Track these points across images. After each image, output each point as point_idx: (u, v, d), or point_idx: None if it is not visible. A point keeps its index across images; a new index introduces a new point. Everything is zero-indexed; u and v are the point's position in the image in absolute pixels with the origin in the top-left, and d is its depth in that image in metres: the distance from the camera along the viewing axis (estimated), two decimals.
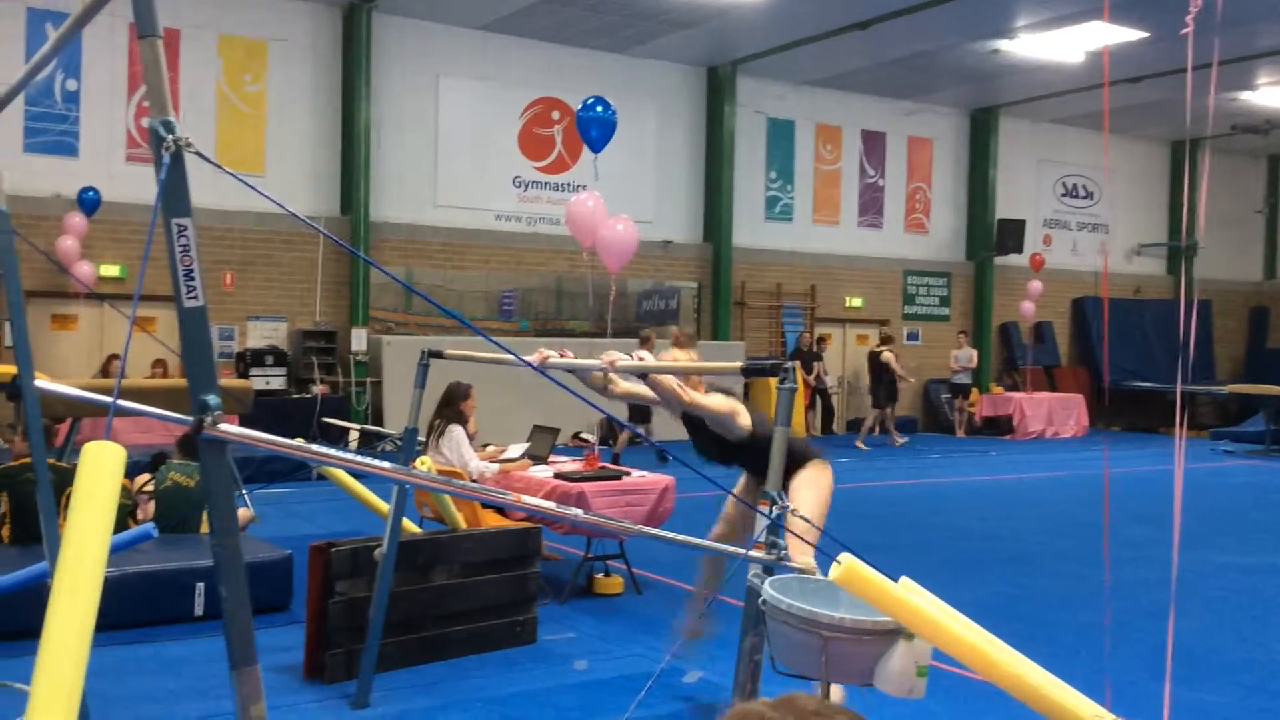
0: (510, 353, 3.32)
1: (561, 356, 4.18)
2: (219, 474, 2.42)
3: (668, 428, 14.63)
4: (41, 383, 4.39)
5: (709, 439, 4.89)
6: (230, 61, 14.72)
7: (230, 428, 2.36)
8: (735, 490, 4.96)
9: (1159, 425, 20.47)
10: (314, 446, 2.54)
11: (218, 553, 2.41)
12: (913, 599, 2.59)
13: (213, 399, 2.35)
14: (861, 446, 16.71)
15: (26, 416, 4.38)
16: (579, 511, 2.95)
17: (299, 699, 5.00)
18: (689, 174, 18.40)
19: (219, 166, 2.46)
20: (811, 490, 4.68)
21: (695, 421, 4.87)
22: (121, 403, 3.99)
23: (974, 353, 19.44)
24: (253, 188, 2.59)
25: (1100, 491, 12.11)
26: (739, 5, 14.90)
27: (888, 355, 17.34)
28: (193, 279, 2.40)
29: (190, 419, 2.52)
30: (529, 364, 3.68)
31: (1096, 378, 21.78)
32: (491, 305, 16.70)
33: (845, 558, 2.56)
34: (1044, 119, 21.61)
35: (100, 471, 1.92)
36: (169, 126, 2.31)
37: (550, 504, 3.02)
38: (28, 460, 6.25)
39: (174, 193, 2.33)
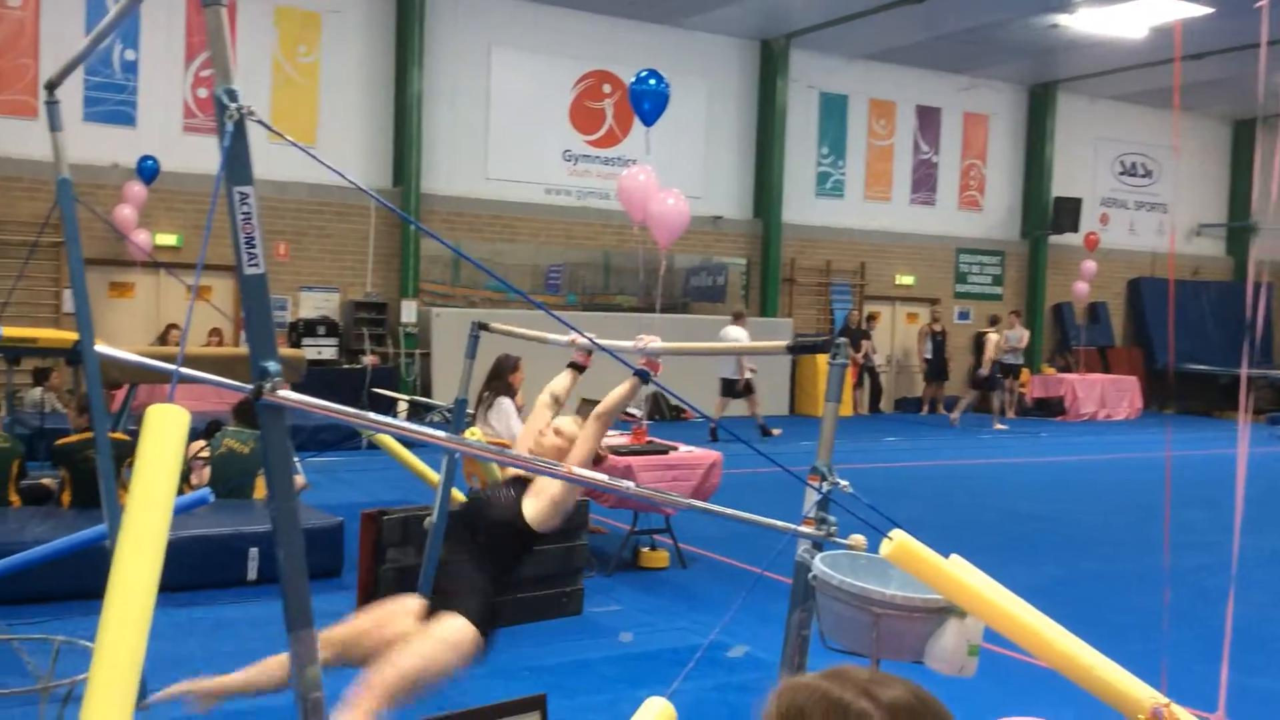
0: (572, 327, 3.32)
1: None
2: (277, 439, 2.45)
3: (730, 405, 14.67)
4: (102, 348, 4.47)
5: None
6: (285, 32, 14.82)
7: (289, 394, 2.39)
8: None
9: (1213, 409, 20.10)
10: (370, 414, 2.57)
11: (275, 517, 2.45)
12: (965, 576, 2.58)
13: (273, 365, 2.37)
14: (1000, 427, 16.85)
15: (87, 381, 4.46)
16: (631, 484, 2.96)
17: None
18: (739, 149, 18.29)
19: (282, 136, 2.48)
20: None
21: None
22: (184, 370, 4.06)
23: (1025, 333, 19.17)
24: (319, 160, 2.60)
25: (1154, 474, 11.90)
26: None
27: (993, 337, 17.27)
28: (254, 246, 2.43)
29: (248, 387, 2.56)
30: (586, 337, 3.68)
31: (1151, 359, 21.45)
32: (538, 279, 16.74)
33: (897, 534, 2.55)
34: (1103, 95, 21.20)
35: (164, 435, 1.95)
36: (232, 95, 2.33)
37: (602, 476, 3.03)
38: (87, 436, 6.39)
39: (236, 161, 2.36)
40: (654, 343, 3.76)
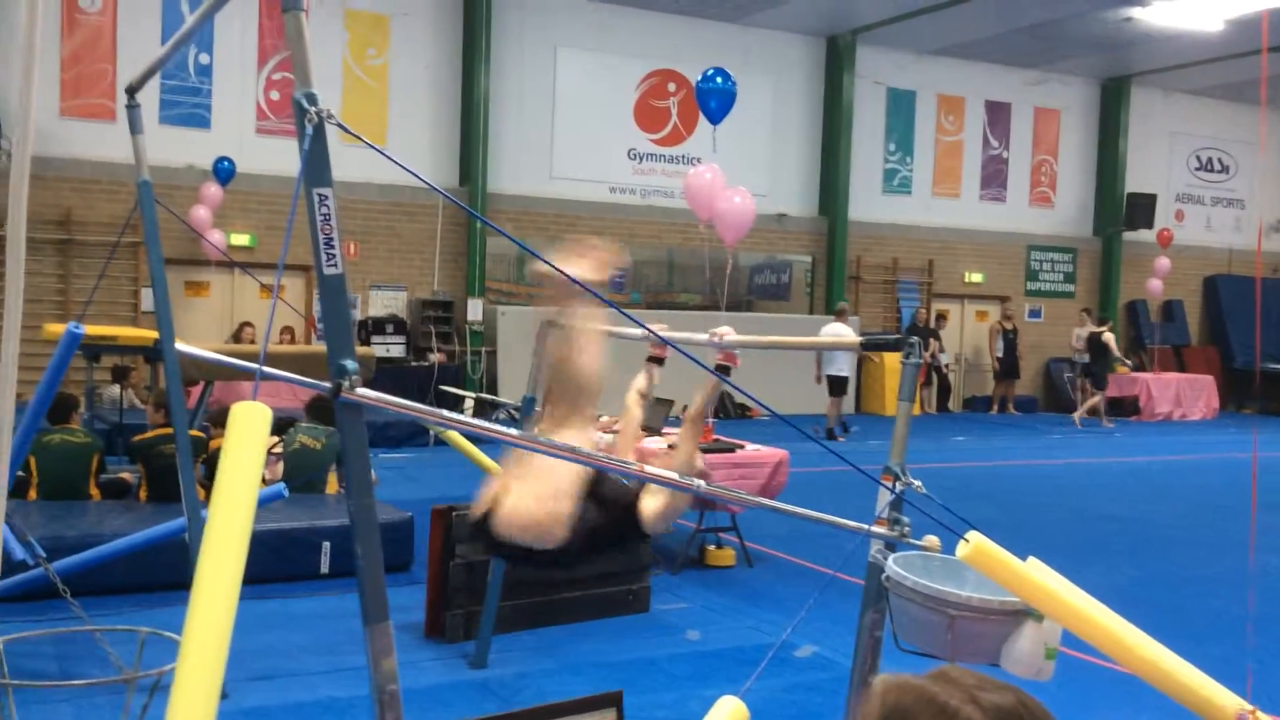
0: (641, 324, 3.33)
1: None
2: (355, 436, 2.49)
3: (792, 400, 14.54)
4: (181, 346, 4.58)
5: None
6: (355, 35, 15.03)
7: (368, 392, 2.43)
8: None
9: None
10: (445, 411, 2.60)
11: (353, 512, 2.49)
12: (1043, 579, 2.54)
13: (350, 363, 2.41)
14: (1078, 424, 17.00)
15: (167, 378, 4.57)
16: (702, 483, 2.96)
17: (419, 657, 5.14)
18: (805, 146, 18.18)
19: (360, 138, 2.51)
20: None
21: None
22: (264, 369, 4.14)
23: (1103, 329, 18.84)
24: (395, 161, 2.63)
25: (1232, 475, 11.67)
26: None
27: (1108, 336, 17.12)
28: (332, 247, 2.47)
29: (324, 385, 2.60)
30: (657, 335, 3.69)
31: (1228, 358, 20.93)
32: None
33: (973, 536, 2.51)
34: (1178, 89, 20.73)
35: (248, 431, 1.99)
36: (311, 99, 2.36)
37: (673, 474, 3.03)
38: (164, 431, 6.54)
39: (316, 163, 2.39)
40: (729, 334, 3.75)
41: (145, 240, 4.40)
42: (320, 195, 2.42)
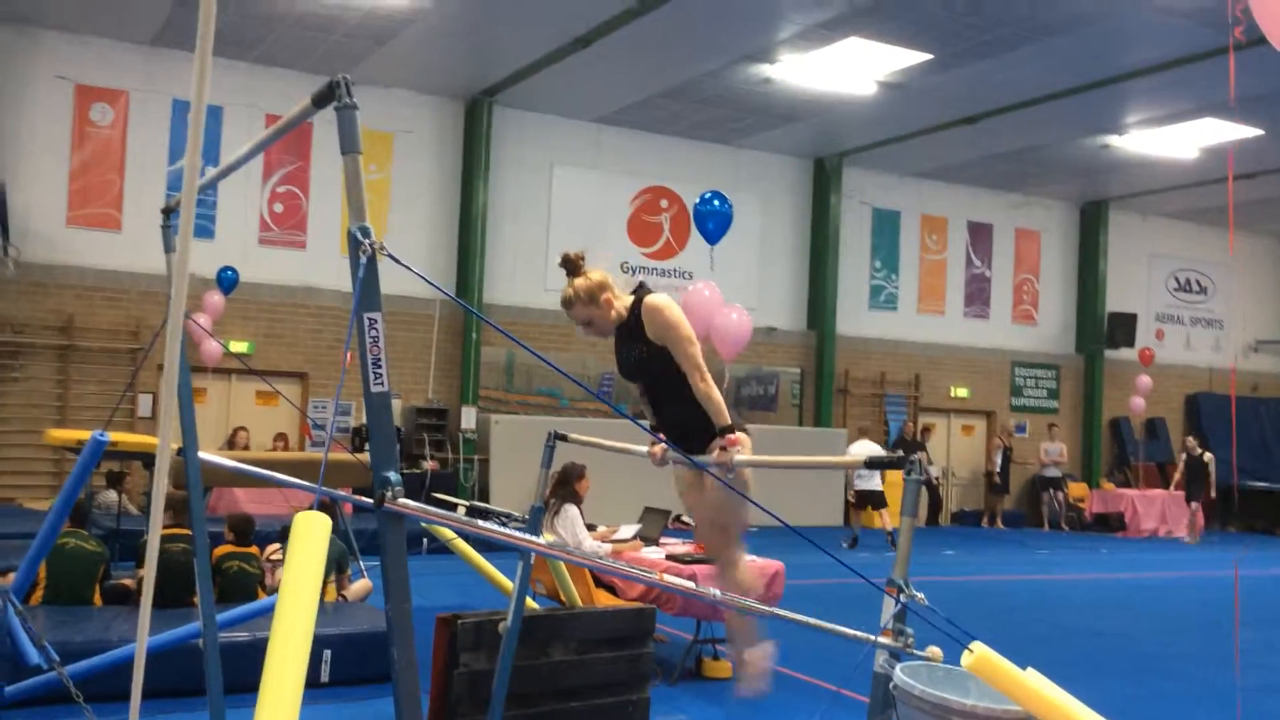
0: (647, 429, 3.49)
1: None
2: (395, 544, 2.64)
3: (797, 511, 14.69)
4: (204, 455, 4.72)
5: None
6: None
7: (409, 502, 2.59)
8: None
9: (1276, 527, 19.75)
10: (481, 522, 2.75)
11: (391, 617, 2.63)
12: (1044, 689, 2.67)
13: (394, 475, 2.58)
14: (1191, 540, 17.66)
15: (189, 486, 4.70)
16: (716, 592, 3.10)
17: None
18: (793, 261, 18.62)
19: (409, 269, 2.70)
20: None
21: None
22: (282, 477, 4.29)
23: (1063, 446, 19.38)
24: (425, 279, 2.84)
25: (1218, 593, 11.76)
26: (846, 101, 15.20)
27: (1209, 456, 17.60)
28: (380, 366, 2.65)
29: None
30: (669, 444, 3.85)
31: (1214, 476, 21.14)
32: (591, 388, 16.99)
33: (977, 646, 2.66)
34: (1155, 213, 21.39)
35: (310, 539, 2.15)
36: (365, 232, 2.57)
37: (689, 583, 3.18)
38: (172, 531, 6.63)
39: (368, 290, 2.59)
40: (740, 455, 3.89)
41: (168, 354, 4.58)
42: (370, 319, 2.61)
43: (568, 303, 4.52)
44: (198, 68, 1.86)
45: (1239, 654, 8.02)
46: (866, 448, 14.95)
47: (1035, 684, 2.66)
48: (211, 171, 4.37)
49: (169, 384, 2.01)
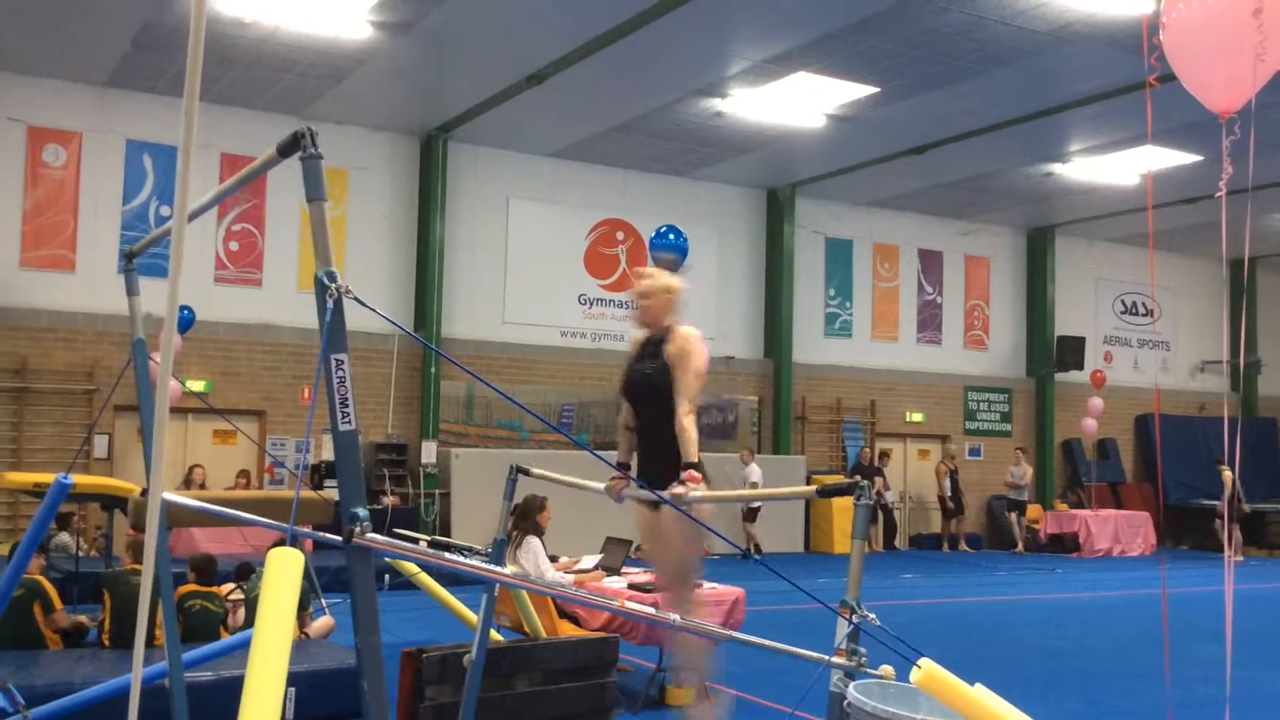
0: (607, 463, 3.60)
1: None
2: (364, 578, 2.72)
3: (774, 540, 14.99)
4: (171, 496, 4.76)
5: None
6: None
7: (378, 536, 2.68)
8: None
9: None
10: (449, 555, 2.84)
11: (361, 650, 2.71)
12: (992, 703, 2.80)
13: (362, 510, 2.67)
14: (1238, 559, 17.93)
15: (148, 526, 4.74)
16: (676, 617, 3.20)
17: None
18: (749, 291, 18.84)
19: (374, 311, 2.80)
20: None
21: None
22: (244, 515, 4.35)
23: (1029, 469, 19.63)
24: (389, 319, 2.94)
25: (1174, 611, 12.00)
26: (796, 133, 15.48)
27: (1228, 475, 18.04)
28: (346, 406, 2.74)
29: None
30: (615, 476, 3.96)
31: (1163, 495, 21.55)
32: (551, 418, 17.06)
33: (925, 662, 2.79)
34: (1100, 238, 21.88)
35: (283, 575, 2.23)
36: (332, 276, 2.67)
37: (650, 609, 3.28)
38: (135, 566, 6.62)
39: (335, 333, 2.69)
40: (695, 490, 4.02)
41: (139, 397, 4.63)
42: (337, 360, 2.71)
43: (651, 287, 5.05)
44: (185, 122, 1.97)
45: (1183, 669, 8.21)
46: (754, 472, 16.45)
47: (981, 698, 2.79)
48: (169, 212, 4.44)
49: (159, 426, 2.10)
